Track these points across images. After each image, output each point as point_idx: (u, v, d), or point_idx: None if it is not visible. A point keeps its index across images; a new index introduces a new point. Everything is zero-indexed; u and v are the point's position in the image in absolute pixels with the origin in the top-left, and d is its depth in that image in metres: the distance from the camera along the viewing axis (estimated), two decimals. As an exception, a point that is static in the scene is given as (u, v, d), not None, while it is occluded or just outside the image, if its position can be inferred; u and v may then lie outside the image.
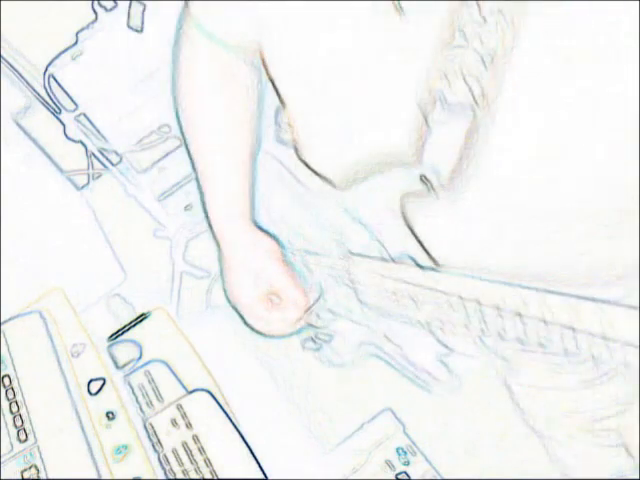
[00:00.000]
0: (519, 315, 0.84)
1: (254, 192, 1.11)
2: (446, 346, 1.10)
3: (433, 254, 0.93)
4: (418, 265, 0.95)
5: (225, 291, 1.14)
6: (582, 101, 0.75)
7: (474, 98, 0.80)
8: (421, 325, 1.00)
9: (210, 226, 1.14)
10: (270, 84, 1.01)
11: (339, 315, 1.13)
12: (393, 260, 0.98)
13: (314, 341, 1.16)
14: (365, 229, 0.99)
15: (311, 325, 1.14)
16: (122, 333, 1.39)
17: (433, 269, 0.93)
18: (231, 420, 1.20)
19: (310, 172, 1.02)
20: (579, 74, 0.74)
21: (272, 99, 1.05)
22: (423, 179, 0.87)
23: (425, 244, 0.93)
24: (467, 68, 0.79)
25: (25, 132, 1.56)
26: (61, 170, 1.58)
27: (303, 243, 1.11)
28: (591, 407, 1.09)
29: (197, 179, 1.15)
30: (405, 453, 1.19)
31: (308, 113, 0.96)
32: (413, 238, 0.94)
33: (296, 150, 1.03)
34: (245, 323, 1.14)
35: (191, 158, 1.14)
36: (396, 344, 1.08)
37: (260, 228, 1.12)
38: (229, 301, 1.14)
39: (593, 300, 0.78)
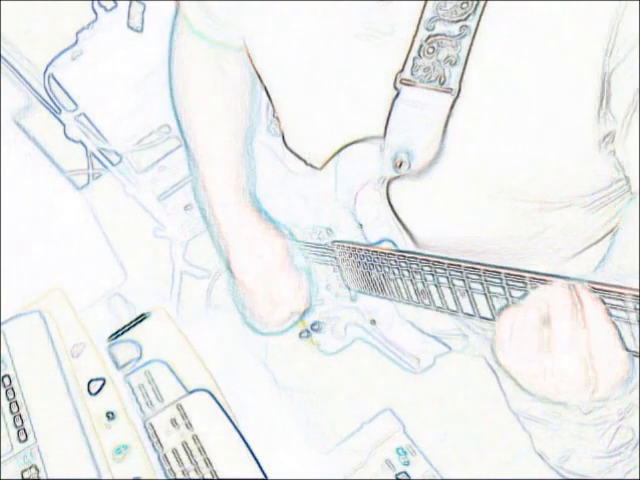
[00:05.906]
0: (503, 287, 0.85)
1: (253, 180, 1.15)
2: (435, 337, 1.11)
3: (414, 234, 0.98)
4: (398, 250, 0.98)
5: (230, 284, 1.16)
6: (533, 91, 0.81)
7: (445, 79, 0.85)
8: (402, 302, 1.03)
9: (205, 218, 1.17)
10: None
11: (330, 302, 1.15)
12: (374, 244, 1.01)
13: (308, 332, 1.18)
14: (349, 213, 1.02)
15: (303, 317, 1.17)
16: (122, 333, 1.39)
17: (411, 251, 0.97)
18: (231, 420, 1.20)
19: (296, 158, 1.07)
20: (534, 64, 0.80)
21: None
22: (397, 163, 0.91)
23: (406, 225, 0.99)
24: (442, 49, 0.85)
25: (25, 132, 1.56)
26: (61, 170, 1.59)
27: (294, 232, 1.13)
28: None
29: (193, 174, 1.18)
30: (405, 453, 1.19)
31: (290, 103, 1.02)
32: (395, 221, 0.99)
33: (284, 139, 1.08)
34: (245, 322, 1.16)
35: (188, 149, 1.18)
36: (382, 329, 1.10)
37: (262, 214, 1.16)
38: (234, 298, 1.16)
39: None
